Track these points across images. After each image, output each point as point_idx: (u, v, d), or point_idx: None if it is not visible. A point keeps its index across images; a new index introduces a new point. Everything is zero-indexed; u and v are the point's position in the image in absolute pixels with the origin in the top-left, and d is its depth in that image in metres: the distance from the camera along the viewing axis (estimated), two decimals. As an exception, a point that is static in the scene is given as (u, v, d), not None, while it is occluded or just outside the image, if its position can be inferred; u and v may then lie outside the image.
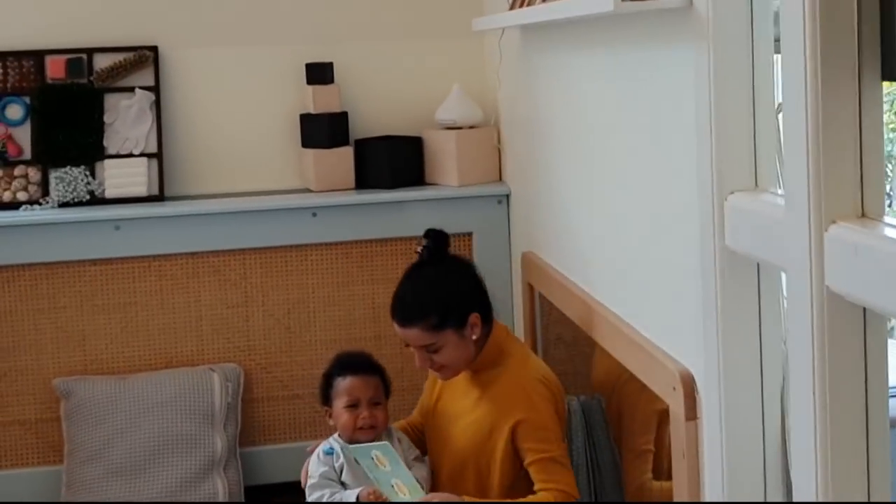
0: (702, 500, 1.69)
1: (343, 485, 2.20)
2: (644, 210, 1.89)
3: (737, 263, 1.54)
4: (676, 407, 1.71)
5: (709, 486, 1.66)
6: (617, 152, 2.03)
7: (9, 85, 2.96)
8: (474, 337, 2.16)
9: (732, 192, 1.52)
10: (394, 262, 3.03)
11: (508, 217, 3.03)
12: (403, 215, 3.01)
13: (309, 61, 3.07)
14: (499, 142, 3.08)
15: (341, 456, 2.20)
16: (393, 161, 3.05)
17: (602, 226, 2.16)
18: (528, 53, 2.63)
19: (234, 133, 3.11)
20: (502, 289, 3.02)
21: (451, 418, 2.24)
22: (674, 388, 1.71)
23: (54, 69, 2.96)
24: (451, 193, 3.01)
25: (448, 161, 3.04)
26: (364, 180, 3.08)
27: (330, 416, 2.29)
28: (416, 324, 2.13)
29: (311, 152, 3.04)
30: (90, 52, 2.99)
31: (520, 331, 2.88)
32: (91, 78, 2.97)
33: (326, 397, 2.29)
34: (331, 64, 3.07)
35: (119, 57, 2.98)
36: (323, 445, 2.25)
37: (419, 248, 2.27)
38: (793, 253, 1.27)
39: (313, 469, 2.21)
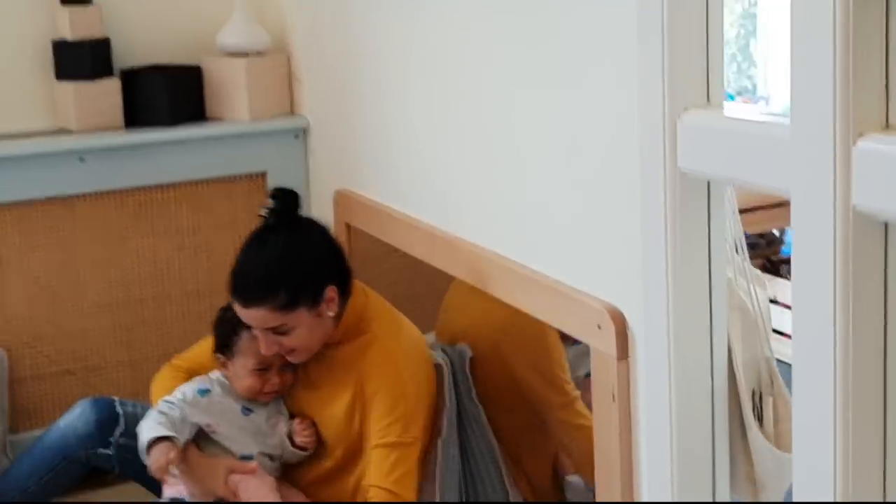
0: (633, 443, 1.64)
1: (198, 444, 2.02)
2: (544, 138, 1.77)
3: (689, 187, 1.47)
4: (603, 347, 1.63)
5: (645, 430, 1.60)
6: (501, 70, 1.88)
7: None
8: (331, 313, 1.96)
9: (686, 109, 1.44)
10: (178, 210, 2.74)
11: (306, 152, 2.82)
12: (186, 157, 2.71)
13: (58, -24, 2.68)
14: (289, 71, 2.85)
15: (219, 400, 2.05)
16: (170, 94, 2.73)
17: (470, 157, 2.02)
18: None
19: (-33, 63, 2.65)
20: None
21: (315, 406, 2.07)
22: (599, 327, 1.63)
23: None
24: (242, 129, 2.75)
25: (236, 92, 2.77)
26: (135, 117, 2.74)
27: (225, 366, 2.07)
28: (261, 304, 1.90)
29: (69, 86, 2.65)
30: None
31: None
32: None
33: (226, 346, 2.06)
34: (87, -20, 2.70)
35: None
36: (198, 383, 2.06)
37: (263, 212, 2.02)
38: (806, 172, 1.21)
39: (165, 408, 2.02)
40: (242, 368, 2.05)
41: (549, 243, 1.80)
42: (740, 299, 1.64)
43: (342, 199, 2.58)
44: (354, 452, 2.03)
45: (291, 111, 2.86)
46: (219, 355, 2.09)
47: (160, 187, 2.72)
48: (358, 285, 2.07)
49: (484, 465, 2.11)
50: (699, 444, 1.55)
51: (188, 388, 2.08)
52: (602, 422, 1.68)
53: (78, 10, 2.66)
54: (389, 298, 2.17)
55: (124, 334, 2.71)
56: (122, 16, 2.78)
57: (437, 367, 2.06)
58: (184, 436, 2.02)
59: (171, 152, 2.70)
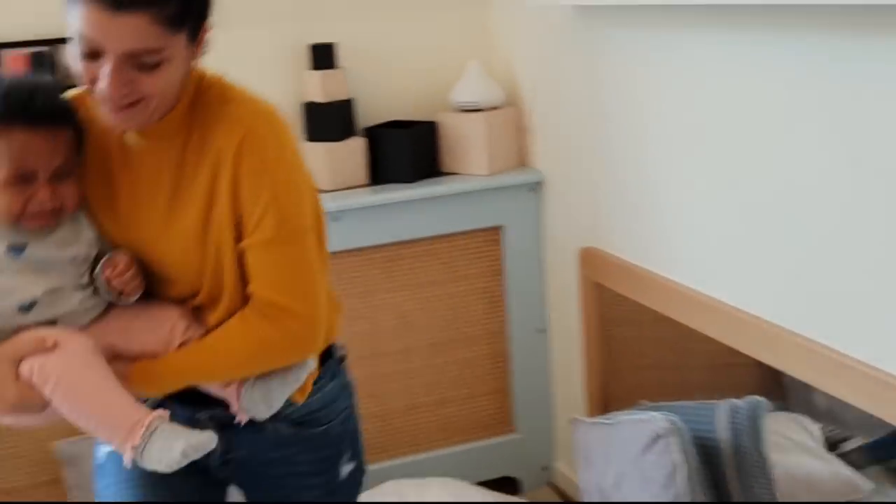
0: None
1: None
2: (838, 201, 1.87)
3: None
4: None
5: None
6: (774, 123, 1.98)
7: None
8: (193, 63, 1.57)
9: None
10: (420, 265, 2.96)
11: (541, 206, 3.01)
12: (427, 213, 2.93)
13: (307, 42, 2.92)
14: (522, 124, 3.05)
15: None
16: (410, 151, 2.95)
17: (742, 220, 2.13)
18: (586, 29, 2.60)
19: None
20: (535, 283, 3.03)
21: (143, 219, 1.61)
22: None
23: (14, 65, 2.67)
24: (478, 185, 2.95)
25: (471, 147, 2.97)
26: (379, 174, 2.97)
27: None
28: (144, 8, 1.42)
29: (320, 147, 2.90)
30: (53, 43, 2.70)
31: (575, 333, 2.88)
32: (57, 75, 2.68)
33: None
34: (334, 45, 2.93)
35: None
36: None
37: None
38: None
39: None
40: None
41: (858, 322, 1.90)
42: None
43: (588, 258, 2.76)
44: (216, 276, 1.62)
45: (524, 164, 3.06)
46: None
47: (403, 243, 2.94)
48: None
49: None
50: None
51: None
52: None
53: (326, 73, 2.90)
54: (642, 362, 2.31)
55: (372, 386, 2.94)
56: (363, 77, 3.01)
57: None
58: None
59: (413, 209, 2.91)
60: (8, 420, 1.57)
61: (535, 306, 3.06)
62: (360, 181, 2.94)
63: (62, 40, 2.60)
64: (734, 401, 2.37)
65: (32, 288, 1.54)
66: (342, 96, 2.92)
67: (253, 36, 2.88)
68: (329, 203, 2.81)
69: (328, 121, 2.90)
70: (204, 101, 1.59)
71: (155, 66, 1.47)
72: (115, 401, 1.52)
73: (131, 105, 1.49)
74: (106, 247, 1.63)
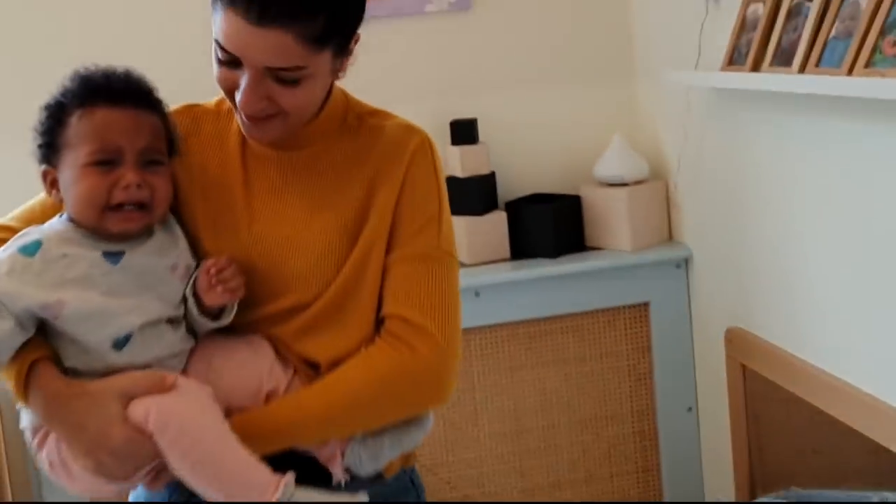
0: None
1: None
2: None
3: None
4: None
5: None
6: None
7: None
8: (342, 76, 1.50)
9: None
10: (564, 341, 2.95)
11: (689, 283, 2.97)
12: (570, 288, 2.93)
13: (449, 118, 2.98)
14: (667, 198, 3.02)
15: (61, 253, 1.38)
16: (553, 225, 2.96)
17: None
18: (727, 110, 2.58)
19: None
20: (684, 361, 2.99)
21: (277, 221, 1.51)
22: None
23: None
24: (624, 260, 2.94)
25: (616, 222, 2.96)
26: (521, 249, 2.99)
27: (54, 184, 1.44)
28: (288, 24, 1.34)
29: (461, 221, 2.94)
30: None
31: (724, 414, 2.82)
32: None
33: (50, 147, 1.43)
34: (475, 120, 2.99)
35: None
36: (20, 239, 1.40)
37: None
38: None
39: None
40: (74, 170, 1.40)
41: None
42: None
43: (735, 338, 2.71)
44: (348, 288, 1.49)
45: (671, 239, 3.02)
46: (44, 167, 1.44)
47: (546, 319, 2.94)
48: None
49: None
50: None
51: (2, 254, 1.39)
52: None
53: (467, 148, 2.96)
54: (788, 450, 2.25)
55: (516, 462, 2.95)
56: (505, 150, 3.06)
57: None
58: (9, 346, 1.37)
59: (556, 285, 2.92)
60: (86, 483, 1.38)
61: (683, 385, 3.00)
62: (501, 256, 2.97)
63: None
64: (886, 494, 2.27)
65: (129, 317, 1.38)
66: (483, 171, 2.97)
67: (396, 113, 2.96)
68: (470, 278, 2.86)
69: (469, 195, 2.95)
70: (351, 111, 1.56)
71: (295, 82, 1.40)
72: (241, 457, 1.37)
73: (268, 118, 1.43)
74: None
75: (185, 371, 1.46)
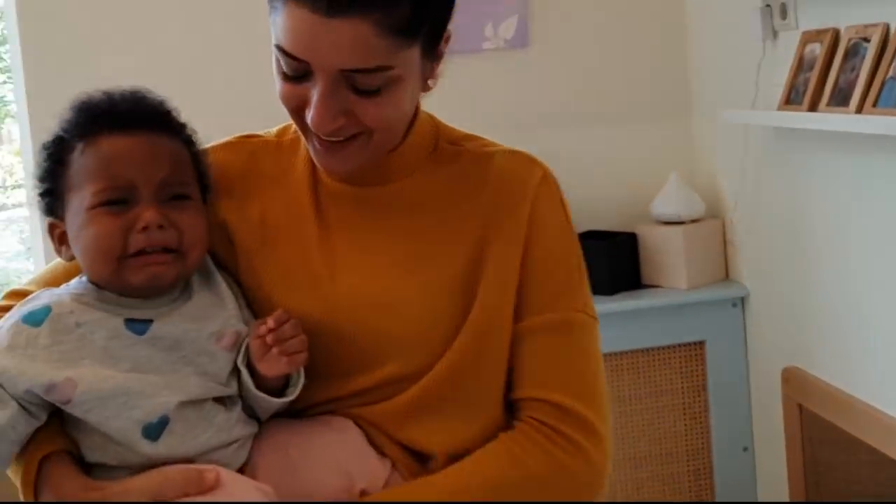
0: None
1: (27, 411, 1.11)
2: None
3: None
4: None
5: None
6: None
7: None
8: (432, 84, 1.22)
9: None
10: (619, 379, 2.96)
11: (745, 322, 2.96)
12: (627, 326, 2.94)
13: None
14: (724, 237, 3.03)
15: (73, 321, 1.12)
16: (610, 262, 2.98)
17: None
18: (785, 149, 2.59)
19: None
20: (740, 400, 2.98)
21: (363, 270, 1.22)
22: None
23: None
24: (680, 298, 2.94)
25: (672, 260, 2.97)
26: (577, 286, 3.01)
27: (62, 239, 1.19)
28: (368, 10, 1.08)
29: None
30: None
31: (780, 454, 2.80)
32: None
33: (53, 196, 1.18)
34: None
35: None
36: (26, 305, 1.15)
37: None
38: None
39: None
40: (81, 216, 1.15)
41: None
42: None
43: (792, 378, 2.70)
44: (467, 360, 1.20)
45: (728, 278, 3.03)
46: (49, 219, 1.20)
47: (603, 356, 2.95)
48: None
49: None
50: None
51: (4, 323, 1.15)
52: None
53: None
54: (847, 492, 2.24)
55: (569, 499, 2.96)
56: (562, 187, 3.06)
57: None
58: (11, 439, 1.11)
59: (612, 322, 2.92)
60: None
61: (739, 424, 2.99)
62: (558, 293, 2.99)
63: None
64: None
65: (162, 396, 1.11)
66: (541, 209, 2.99)
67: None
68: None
69: (527, 233, 2.97)
70: (443, 136, 1.29)
71: (379, 91, 1.12)
72: None
73: (346, 142, 1.15)
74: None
75: (250, 465, 1.17)
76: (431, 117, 1.30)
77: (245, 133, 1.34)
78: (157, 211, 1.14)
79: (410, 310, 1.20)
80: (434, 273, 1.21)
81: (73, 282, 1.19)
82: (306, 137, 1.20)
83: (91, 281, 1.17)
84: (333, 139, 1.15)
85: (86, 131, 1.16)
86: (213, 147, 1.29)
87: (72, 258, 1.19)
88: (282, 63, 1.14)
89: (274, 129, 1.34)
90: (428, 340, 1.20)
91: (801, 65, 2.44)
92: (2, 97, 7.70)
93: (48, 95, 2.76)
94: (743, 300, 2.95)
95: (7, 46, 7.57)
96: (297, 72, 1.13)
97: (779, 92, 2.51)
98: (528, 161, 1.29)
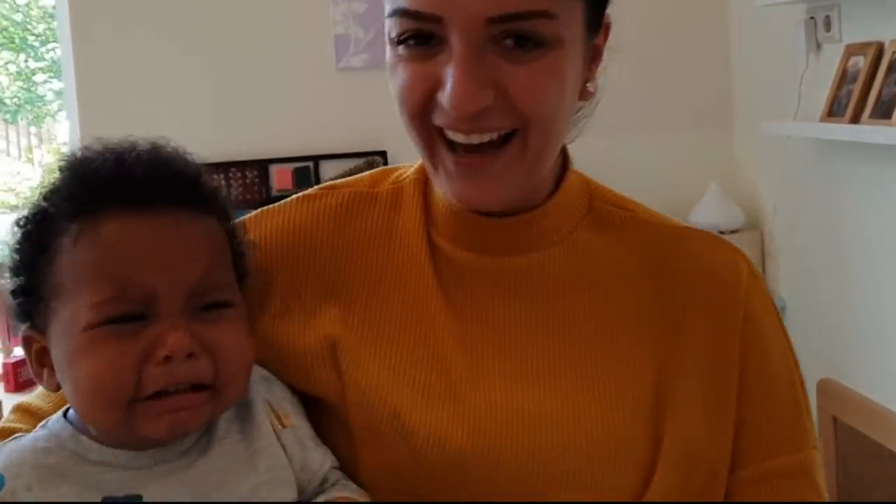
0: None
1: None
2: None
3: None
4: None
5: None
6: None
7: (232, 197, 2.96)
8: (590, 88, 1.00)
9: None
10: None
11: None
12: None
13: (548, 162, 3.06)
14: (762, 248, 3.06)
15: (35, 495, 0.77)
16: (646, 271, 3.01)
17: None
18: (825, 161, 2.62)
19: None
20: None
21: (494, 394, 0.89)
22: None
23: (280, 180, 2.96)
24: (717, 307, 2.96)
25: (710, 270, 3.00)
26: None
27: (42, 360, 0.83)
28: None
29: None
30: (317, 159, 2.98)
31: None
32: (318, 188, 2.92)
33: (31, 298, 0.82)
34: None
35: (348, 164, 2.97)
36: None
37: None
38: None
39: None
40: (68, 334, 0.79)
41: None
42: None
43: (827, 390, 2.71)
44: None
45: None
46: (24, 329, 0.83)
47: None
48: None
49: None
50: None
51: None
52: None
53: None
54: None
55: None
56: (602, 195, 3.12)
57: None
58: None
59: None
60: None
61: (773, 434, 3.01)
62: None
63: (325, 156, 2.91)
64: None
65: None
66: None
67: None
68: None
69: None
70: (597, 195, 1.01)
71: (536, 55, 0.83)
72: None
73: (495, 152, 0.85)
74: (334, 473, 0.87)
75: None
76: (581, 175, 1.01)
77: (326, 184, 1.02)
78: (185, 332, 0.77)
79: (581, 434, 0.87)
80: (611, 386, 0.89)
81: (53, 419, 0.84)
82: (433, 160, 0.87)
83: (81, 420, 0.81)
84: (477, 141, 0.84)
85: (82, 208, 0.79)
86: (285, 204, 1.00)
87: (58, 388, 0.82)
88: (398, 31, 0.84)
89: (364, 175, 1.02)
90: (610, 480, 0.87)
91: (844, 77, 2.46)
92: (42, 96, 7.79)
93: (98, 95, 2.84)
94: (780, 310, 2.96)
95: (49, 46, 7.63)
96: (423, 35, 0.83)
97: (821, 104, 2.54)
98: (730, 249, 1.00)
